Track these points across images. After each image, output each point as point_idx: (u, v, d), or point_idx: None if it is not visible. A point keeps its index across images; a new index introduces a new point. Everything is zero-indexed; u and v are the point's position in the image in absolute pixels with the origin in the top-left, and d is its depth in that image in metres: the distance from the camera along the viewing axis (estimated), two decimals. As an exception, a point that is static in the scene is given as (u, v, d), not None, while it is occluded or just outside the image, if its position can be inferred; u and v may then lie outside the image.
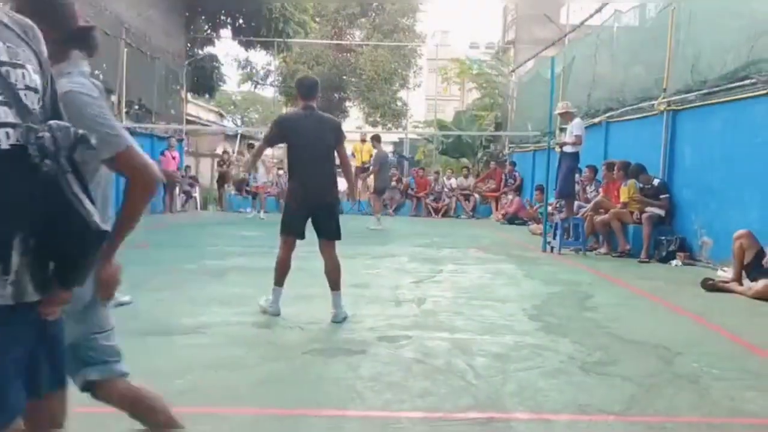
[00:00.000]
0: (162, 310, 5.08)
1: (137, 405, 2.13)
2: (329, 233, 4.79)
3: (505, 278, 7.05)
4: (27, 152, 1.22)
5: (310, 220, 4.77)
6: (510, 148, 19.21)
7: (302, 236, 4.79)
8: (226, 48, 51.53)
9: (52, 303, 1.38)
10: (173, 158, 16.18)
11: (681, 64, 8.99)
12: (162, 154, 16.01)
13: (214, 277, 6.58)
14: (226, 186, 18.25)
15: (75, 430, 2.80)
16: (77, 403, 3.09)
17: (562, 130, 9.60)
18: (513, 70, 21.26)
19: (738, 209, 7.60)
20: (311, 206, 4.70)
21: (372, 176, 13.84)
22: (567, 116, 9.36)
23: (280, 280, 4.83)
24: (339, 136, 4.80)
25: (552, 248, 9.47)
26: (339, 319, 4.77)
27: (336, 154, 4.81)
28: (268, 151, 34.12)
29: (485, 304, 5.54)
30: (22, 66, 1.29)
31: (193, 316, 4.81)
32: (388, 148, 30.07)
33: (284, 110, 34.61)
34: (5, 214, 1.22)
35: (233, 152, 19.53)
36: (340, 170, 5.31)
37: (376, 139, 14.21)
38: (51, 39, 1.47)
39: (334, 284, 4.83)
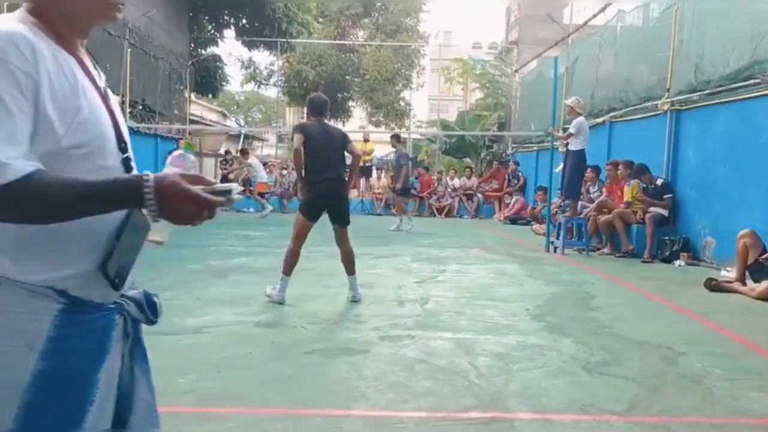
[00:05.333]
0: (165, 309, 5.01)
1: None
2: (340, 220, 5.41)
3: (507, 278, 7.05)
4: None
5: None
6: (513, 148, 19.19)
7: (314, 220, 5.36)
8: (229, 48, 51.66)
9: None
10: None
11: (684, 63, 8.98)
12: (171, 153, 16.09)
13: (217, 277, 6.59)
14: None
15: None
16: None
17: (566, 130, 9.60)
18: (516, 70, 21.23)
19: (741, 209, 7.58)
20: (326, 198, 5.33)
21: (391, 176, 13.52)
22: (573, 113, 9.37)
23: (289, 270, 5.27)
24: (345, 139, 5.51)
25: (555, 248, 9.46)
26: (356, 299, 5.44)
27: (348, 152, 5.51)
28: (271, 151, 34.07)
29: (488, 304, 5.54)
30: None
31: (196, 316, 4.82)
32: (391, 148, 30.11)
33: (287, 110, 34.73)
34: None
35: (235, 152, 19.55)
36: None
37: (396, 138, 13.44)
38: None
39: (350, 270, 5.47)
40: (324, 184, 5.28)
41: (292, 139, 5.67)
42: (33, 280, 1.19)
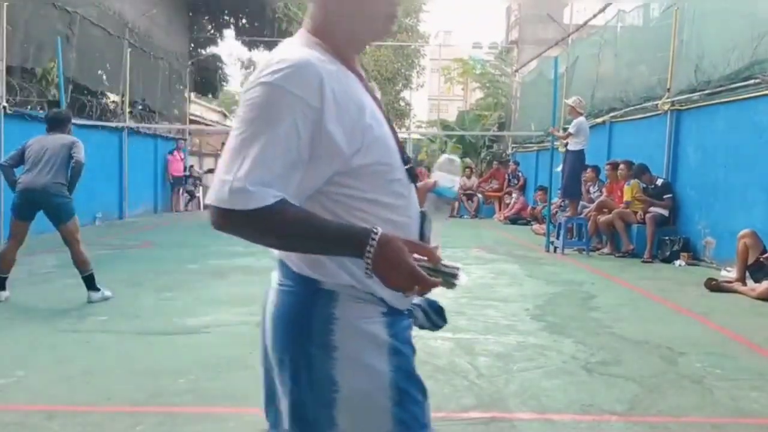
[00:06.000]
0: (165, 309, 5.09)
1: None
2: None
3: (508, 278, 7.05)
4: None
5: None
6: (513, 148, 19.19)
7: None
8: (229, 48, 51.63)
9: None
10: (180, 159, 16.34)
11: (685, 63, 8.97)
12: (170, 153, 16.11)
13: (217, 277, 6.59)
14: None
15: (74, 430, 2.82)
16: (74, 402, 3.11)
17: (566, 129, 9.59)
18: (516, 70, 21.23)
19: (742, 209, 7.58)
20: None
21: None
22: (573, 113, 9.35)
23: None
24: None
25: (555, 248, 9.46)
26: None
27: None
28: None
29: (488, 304, 5.54)
30: None
31: (196, 316, 4.83)
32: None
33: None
34: None
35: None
36: None
37: None
38: None
39: None
40: None
41: None
42: (361, 288, 1.26)
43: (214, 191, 1.15)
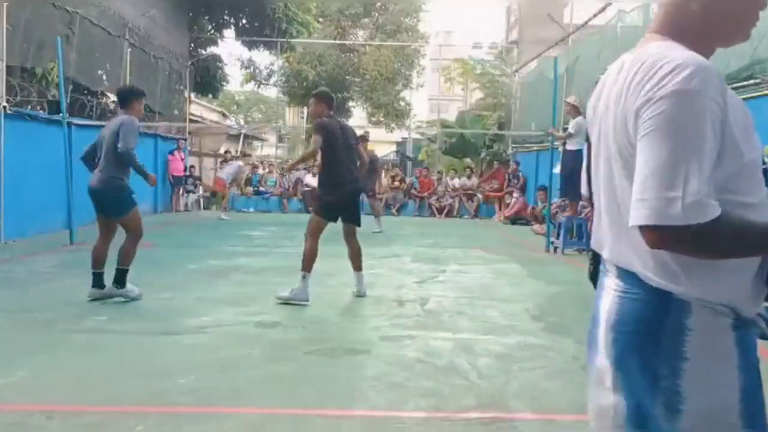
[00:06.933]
0: (166, 309, 5.08)
1: None
2: (353, 219, 5.60)
3: (508, 278, 7.04)
4: None
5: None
6: (513, 148, 19.18)
7: (332, 221, 5.49)
8: (229, 48, 51.67)
9: None
10: (181, 159, 16.35)
11: (685, 63, 8.96)
12: (171, 153, 16.11)
13: (217, 277, 6.58)
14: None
15: (74, 430, 2.82)
16: (74, 402, 3.11)
17: (566, 130, 9.58)
18: (516, 70, 21.21)
19: (742, 209, 7.57)
20: (346, 202, 5.48)
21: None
22: (573, 112, 9.33)
23: (309, 266, 5.32)
24: (357, 140, 5.85)
25: (555, 248, 9.46)
26: (360, 294, 5.62)
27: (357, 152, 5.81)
28: (271, 151, 34.06)
29: (488, 304, 5.53)
30: None
31: (197, 316, 4.82)
32: (391, 148, 30.16)
33: (287, 110, 34.69)
34: None
35: (236, 152, 19.56)
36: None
37: (364, 138, 13.16)
38: None
39: (357, 266, 5.67)
40: (347, 188, 5.46)
41: (310, 136, 5.83)
42: (713, 299, 1.22)
43: (655, 210, 1.13)
